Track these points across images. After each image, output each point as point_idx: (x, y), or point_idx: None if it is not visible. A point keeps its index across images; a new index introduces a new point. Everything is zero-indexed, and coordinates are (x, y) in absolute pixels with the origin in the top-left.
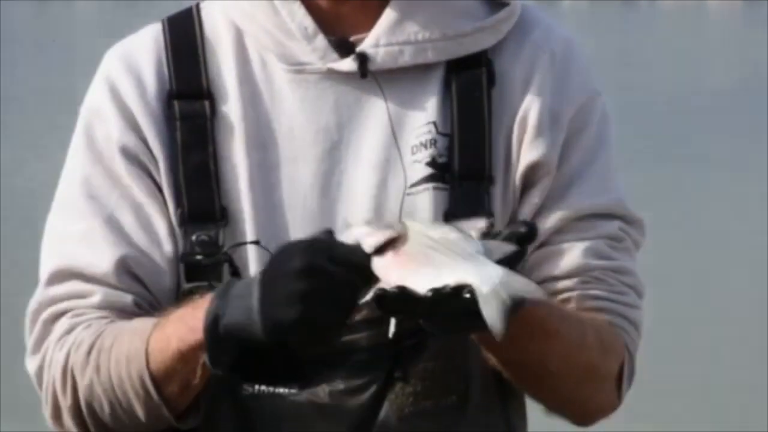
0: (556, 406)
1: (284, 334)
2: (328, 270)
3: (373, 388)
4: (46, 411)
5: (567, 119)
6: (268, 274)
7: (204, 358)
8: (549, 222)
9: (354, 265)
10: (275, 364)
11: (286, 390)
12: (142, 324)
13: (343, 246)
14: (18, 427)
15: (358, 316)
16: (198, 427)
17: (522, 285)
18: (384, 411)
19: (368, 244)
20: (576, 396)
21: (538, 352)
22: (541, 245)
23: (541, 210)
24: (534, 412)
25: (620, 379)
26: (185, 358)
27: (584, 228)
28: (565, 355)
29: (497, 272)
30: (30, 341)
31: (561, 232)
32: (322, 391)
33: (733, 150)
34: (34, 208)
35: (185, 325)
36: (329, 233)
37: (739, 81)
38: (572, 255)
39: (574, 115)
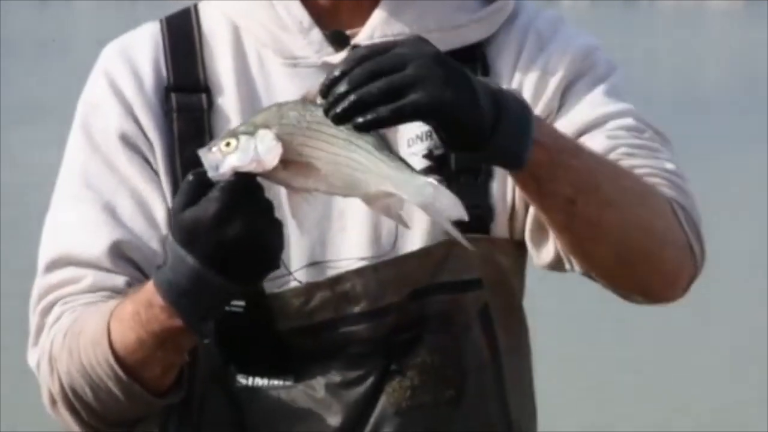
0: (627, 271)
1: (228, 252)
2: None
3: (369, 381)
4: (45, 400)
5: (559, 76)
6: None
7: (186, 339)
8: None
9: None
10: (270, 356)
11: (282, 382)
12: (105, 307)
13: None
14: (18, 427)
15: (356, 309)
16: (192, 420)
17: (450, 202)
18: (381, 404)
19: (268, 162)
20: (642, 248)
21: (582, 172)
22: None
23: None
24: (542, 412)
25: (684, 233)
26: (165, 343)
27: (598, 126)
28: (612, 177)
29: (425, 183)
30: (30, 334)
31: (575, 139)
32: (318, 384)
33: (733, 150)
34: (35, 200)
35: (150, 320)
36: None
37: (740, 81)
38: (594, 143)
39: (567, 67)
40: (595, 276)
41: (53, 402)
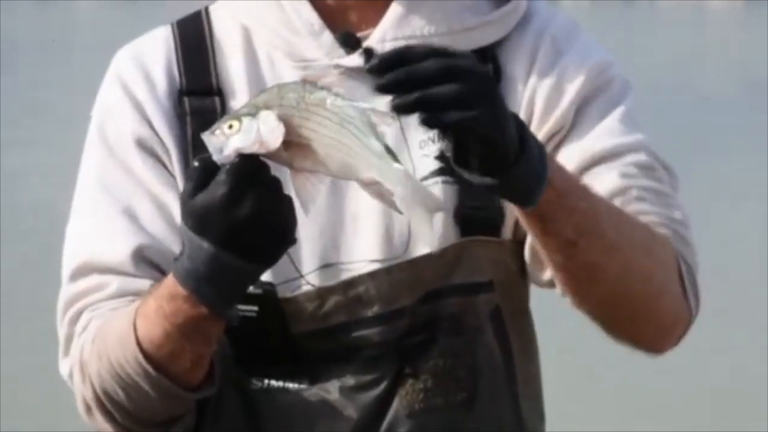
0: (621, 317)
1: (242, 233)
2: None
3: (383, 384)
4: (80, 409)
5: (575, 91)
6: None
7: (212, 327)
8: (575, 162)
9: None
10: (284, 359)
11: (296, 385)
12: (130, 308)
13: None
14: (19, 427)
15: (370, 312)
16: (206, 421)
17: (425, 195)
18: (394, 407)
19: (273, 141)
20: (641, 297)
21: (588, 215)
22: None
23: (563, 155)
24: (551, 414)
25: (683, 286)
26: (190, 334)
27: (612, 158)
28: (618, 224)
29: (404, 173)
30: (60, 344)
31: (587, 168)
32: (332, 387)
33: (733, 149)
34: (37, 201)
35: (175, 312)
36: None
37: (739, 81)
38: (607, 180)
39: (583, 83)
40: (590, 317)
41: (88, 409)
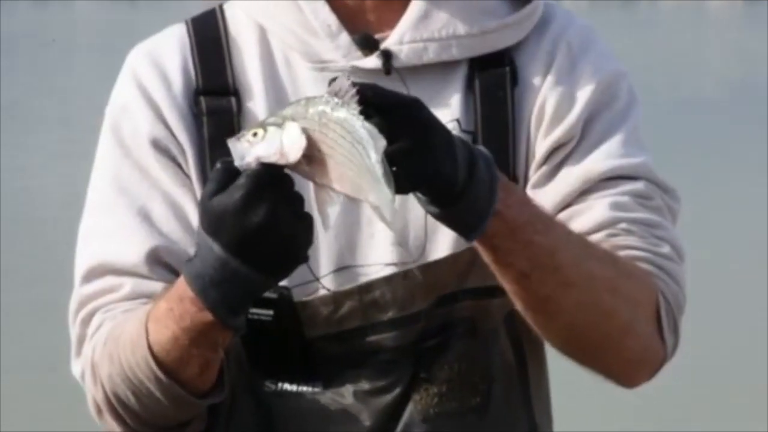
0: (579, 352)
1: (253, 241)
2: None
3: (398, 389)
4: (91, 410)
5: (584, 102)
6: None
7: (219, 334)
8: (571, 185)
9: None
10: (298, 362)
11: (310, 388)
12: (143, 310)
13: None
14: (18, 427)
15: (385, 316)
16: (219, 424)
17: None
18: (408, 412)
19: (292, 155)
20: (600, 334)
21: (543, 249)
22: (565, 207)
23: (562, 174)
24: (558, 414)
25: (659, 324)
26: (198, 339)
27: (608, 186)
28: (580, 261)
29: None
30: (72, 344)
31: (584, 193)
32: (346, 391)
33: (732, 150)
34: (37, 204)
35: (183, 315)
36: (227, 163)
37: (739, 81)
38: (597, 210)
39: (591, 95)
40: (552, 346)
41: (99, 410)
